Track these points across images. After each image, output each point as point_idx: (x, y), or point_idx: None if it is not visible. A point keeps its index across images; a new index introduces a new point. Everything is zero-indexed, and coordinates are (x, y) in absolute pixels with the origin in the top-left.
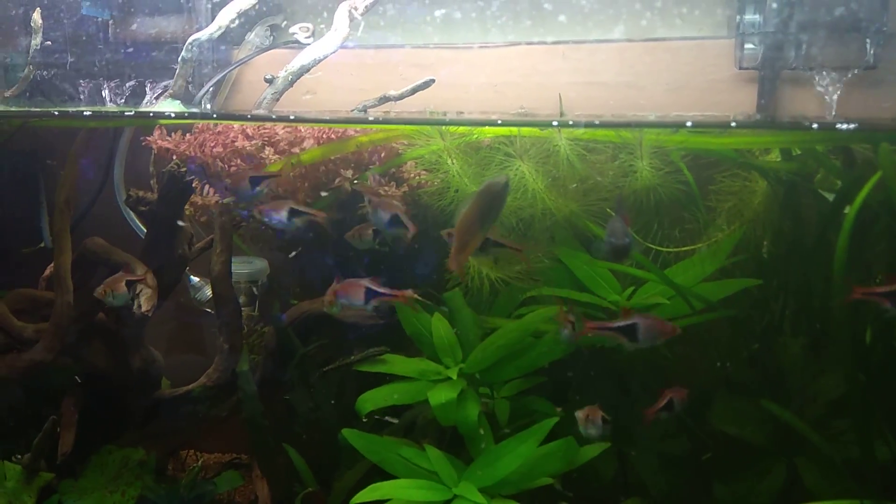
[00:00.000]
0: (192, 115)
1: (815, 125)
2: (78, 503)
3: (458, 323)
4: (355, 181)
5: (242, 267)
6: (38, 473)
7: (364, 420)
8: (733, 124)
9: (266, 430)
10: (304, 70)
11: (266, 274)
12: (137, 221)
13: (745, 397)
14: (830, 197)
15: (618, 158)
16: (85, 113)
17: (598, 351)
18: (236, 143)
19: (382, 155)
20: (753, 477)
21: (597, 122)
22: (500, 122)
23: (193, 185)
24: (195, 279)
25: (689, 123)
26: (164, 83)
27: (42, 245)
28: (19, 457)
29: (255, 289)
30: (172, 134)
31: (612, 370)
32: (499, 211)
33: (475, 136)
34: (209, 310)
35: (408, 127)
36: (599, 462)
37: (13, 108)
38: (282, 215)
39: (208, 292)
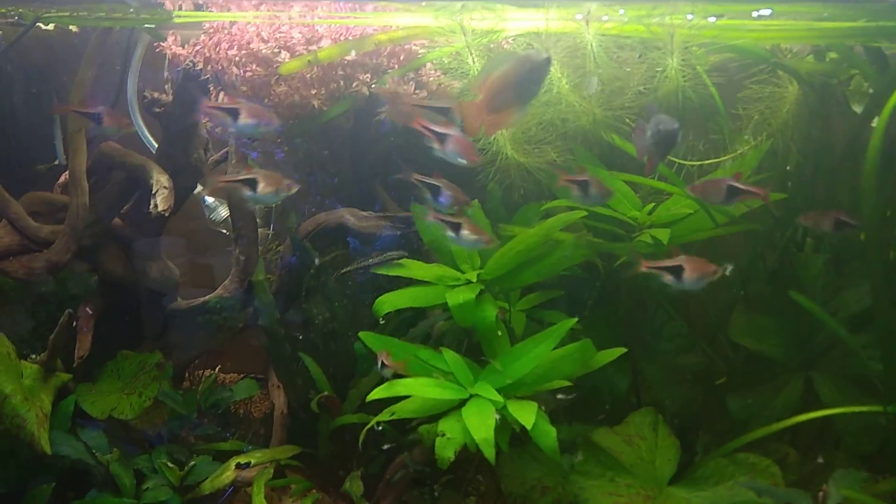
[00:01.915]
0: None
1: None
2: (94, 404)
3: None
4: (373, 85)
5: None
6: (55, 373)
7: (381, 322)
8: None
9: (282, 338)
10: None
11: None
12: (149, 136)
13: (764, 312)
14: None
15: (646, 59)
16: None
17: (613, 268)
18: (251, 45)
19: (402, 58)
20: (769, 391)
21: None
22: None
23: (208, 87)
24: (210, 199)
25: None
26: None
27: (56, 162)
28: (36, 356)
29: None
30: (185, 45)
31: (628, 286)
32: (537, 88)
33: (499, 32)
34: (225, 231)
35: (426, 22)
36: (614, 376)
37: None
38: None
39: (223, 212)
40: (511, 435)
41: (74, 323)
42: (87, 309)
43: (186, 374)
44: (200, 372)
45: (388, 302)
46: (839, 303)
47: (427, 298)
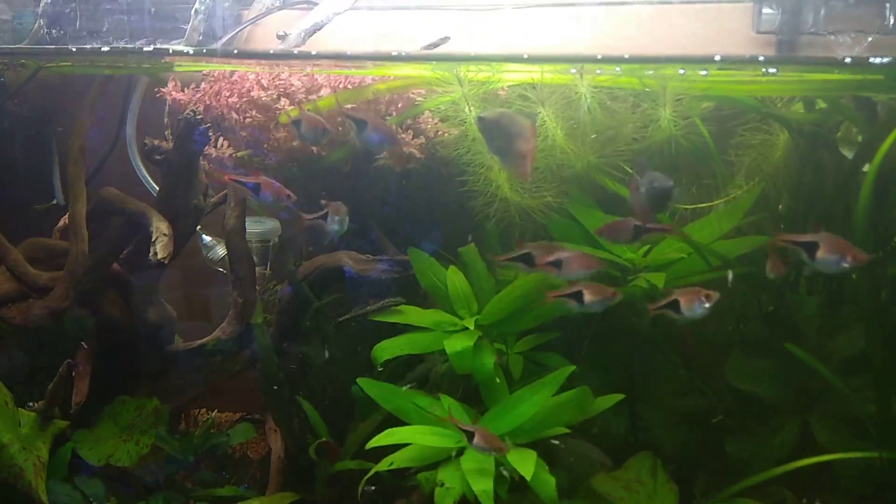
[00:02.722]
0: (209, 52)
1: (846, 59)
2: (91, 451)
3: (473, 277)
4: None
5: (254, 226)
6: (52, 420)
7: (380, 369)
8: (761, 58)
9: (280, 382)
10: (317, 28)
11: (278, 234)
12: (150, 179)
13: (760, 355)
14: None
15: (639, 107)
16: (103, 49)
17: (610, 309)
18: (252, 93)
19: (400, 105)
20: (766, 433)
21: (625, 56)
22: (525, 56)
23: (209, 134)
24: (207, 238)
25: (717, 58)
26: (176, 41)
27: (54, 202)
28: (33, 404)
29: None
30: (185, 89)
31: (625, 328)
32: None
33: (495, 83)
34: (222, 269)
35: (423, 73)
36: (612, 419)
37: (30, 47)
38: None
39: (220, 251)
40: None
41: (73, 373)
42: (86, 357)
43: (182, 416)
44: (197, 412)
45: (387, 349)
46: (834, 346)
47: (425, 345)
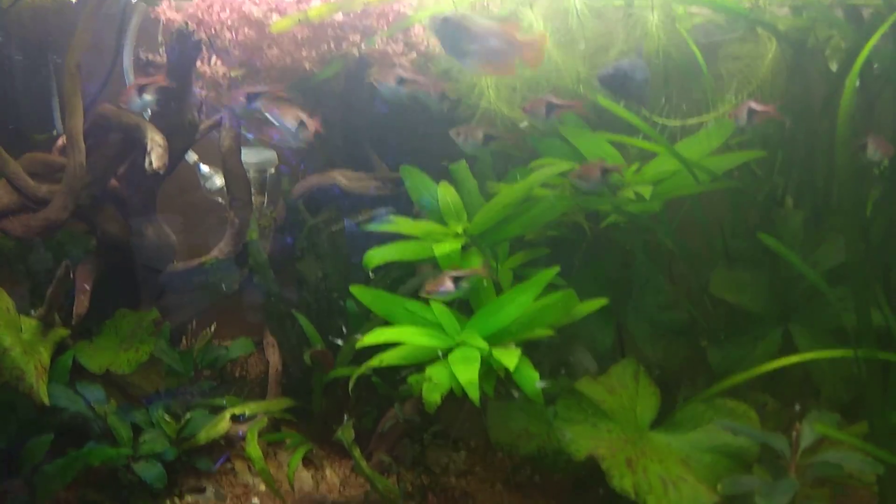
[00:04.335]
0: None
1: None
2: (91, 359)
3: (463, 192)
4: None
5: (251, 156)
6: (54, 328)
7: (372, 277)
8: None
9: (276, 297)
10: None
11: (274, 164)
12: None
13: (744, 267)
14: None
15: (631, 17)
16: None
17: (600, 229)
18: (243, 8)
19: (390, 18)
20: (749, 343)
21: None
22: None
23: (201, 46)
24: (205, 168)
25: None
26: None
27: (54, 132)
28: (34, 312)
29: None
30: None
31: (613, 245)
32: None
33: None
34: (220, 199)
35: None
36: (597, 332)
37: None
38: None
39: (218, 181)
40: (498, 390)
41: (71, 274)
42: (86, 271)
43: (183, 340)
44: (195, 339)
45: (378, 255)
46: (816, 258)
47: (415, 252)
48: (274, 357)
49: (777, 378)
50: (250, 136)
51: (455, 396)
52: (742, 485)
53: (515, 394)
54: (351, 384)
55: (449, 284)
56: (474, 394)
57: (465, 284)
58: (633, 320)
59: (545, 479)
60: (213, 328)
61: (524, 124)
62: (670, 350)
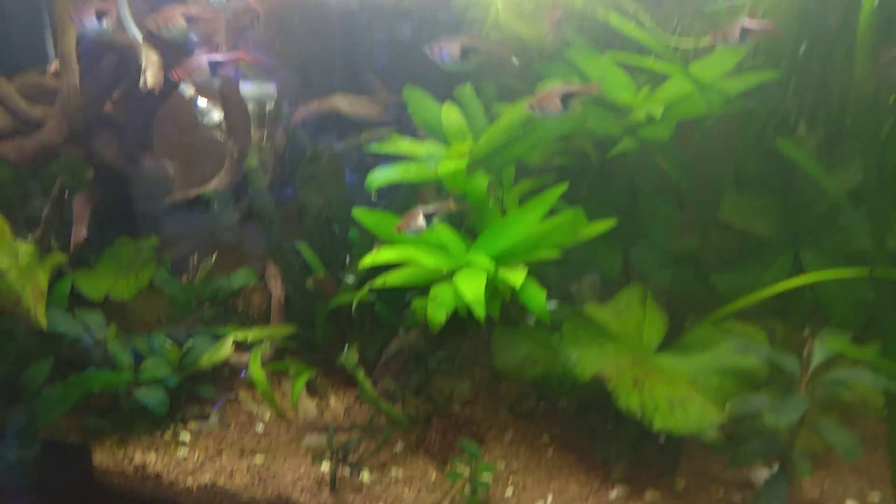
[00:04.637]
0: None
1: None
2: (90, 286)
3: (469, 115)
4: None
5: (250, 90)
6: (51, 252)
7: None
8: None
9: (278, 225)
10: None
11: (273, 98)
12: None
13: (755, 192)
14: None
15: None
16: None
17: (608, 159)
18: None
19: None
20: (758, 268)
21: None
22: None
23: None
24: (202, 102)
25: None
26: None
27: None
28: (30, 236)
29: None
30: None
31: (620, 173)
32: None
33: None
34: (218, 134)
35: None
36: (606, 259)
37: None
38: None
39: (216, 116)
40: (503, 316)
41: (66, 194)
42: (83, 200)
43: (184, 277)
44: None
45: (380, 176)
46: (830, 182)
47: (419, 173)
48: (276, 288)
49: (786, 304)
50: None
51: (460, 325)
52: (751, 404)
53: (522, 317)
54: (354, 305)
55: (421, 221)
56: (480, 311)
57: (437, 220)
58: (640, 248)
59: (549, 407)
60: (213, 258)
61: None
62: (678, 277)
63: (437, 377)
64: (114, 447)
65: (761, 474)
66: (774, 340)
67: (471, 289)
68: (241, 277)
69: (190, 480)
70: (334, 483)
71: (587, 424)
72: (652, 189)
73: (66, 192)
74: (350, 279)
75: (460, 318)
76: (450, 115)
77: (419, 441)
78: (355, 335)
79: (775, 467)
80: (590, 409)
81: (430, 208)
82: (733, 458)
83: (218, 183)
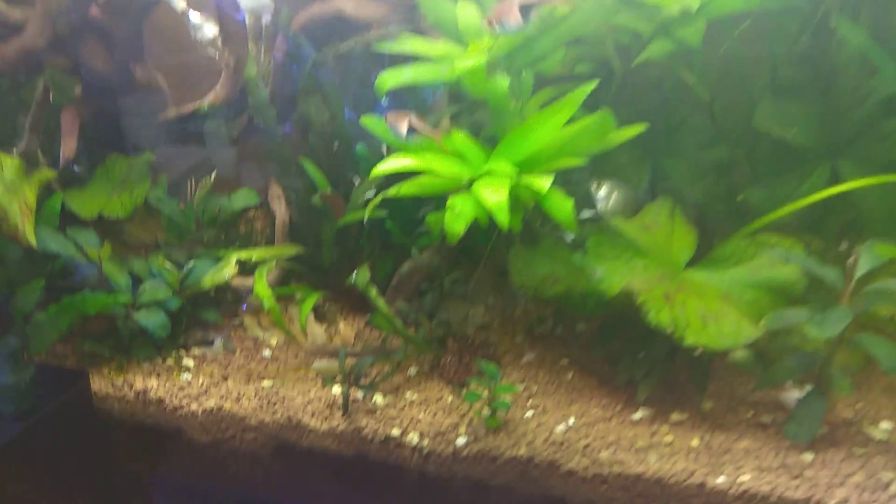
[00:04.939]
0: None
1: None
2: (82, 205)
3: (485, 12)
4: None
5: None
6: (38, 168)
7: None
8: None
9: (280, 140)
10: None
11: (270, 11)
12: None
13: (792, 98)
14: None
15: None
16: None
17: (633, 67)
18: None
19: None
20: (794, 180)
21: None
22: None
23: None
24: (195, 16)
25: None
26: None
27: None
28: (14, 150)
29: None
30: None
31: (647, 81)
32: None
33: None
34: (212, 50)
35: None
36: (632, 173)
37: None
38: None
39: (209, 32)
40: (522, 235)
41: (52, 97)
42: (72, 113)
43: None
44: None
45: (391, 78)
46: (872, 85)
47: (432, 74)
48: (280, 209)
49: (823, 217)
50: None
51: (474, 247)
52: (788, 318)
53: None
54: (366, 217)
55: (403, 127)
56: (504, 218)
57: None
58: (670, 160)
59: (567, 330)
60: (213, 177)
61: None
62: (710, 190)
63: (451, 300)
64: (113, 373)
65: (790, 395)
66: (810, 254)
67: (493, 196)
68: (242, 198)
69: (195, 405)
70: (347, 406)
71: (608, 347)
72: (680, 98)
73: (51, 97)
74: (359, 196)
75: (475, 240)
76: (466, 12)
77: (433, 364)
78: (364, 258)
79: (806, 388)
80: (611, 331)
81: (420, 124)
82: (767, 376)
83: (214, 97)
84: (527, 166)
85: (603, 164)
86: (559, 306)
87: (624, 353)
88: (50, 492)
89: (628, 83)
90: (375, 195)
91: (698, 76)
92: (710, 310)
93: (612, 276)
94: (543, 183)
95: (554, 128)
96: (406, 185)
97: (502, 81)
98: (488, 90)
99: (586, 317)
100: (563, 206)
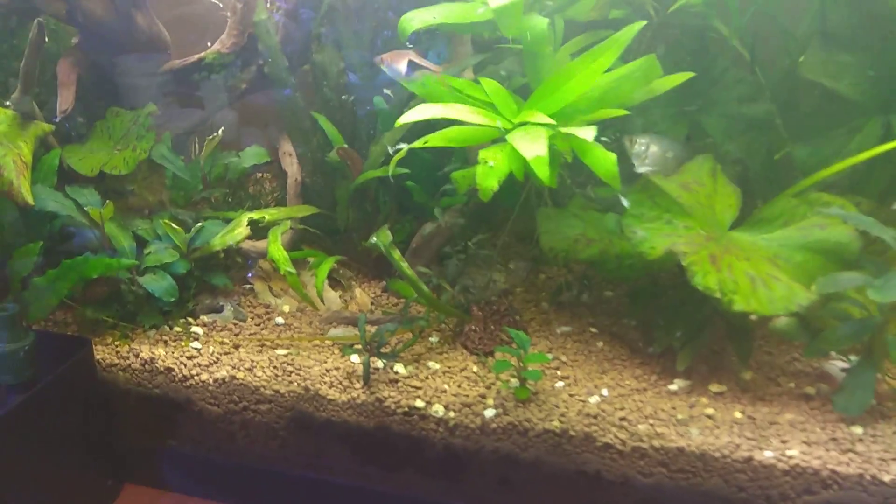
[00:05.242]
0: None
1: None
2: (82, 161)
3: None
4: None
5: None
6: (34, 121)
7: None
8: None
9: (293, 91)
10: None
11: None
12: None
13: (843, 48)
14: None
15: None
16: None
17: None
18: None
19: None
20: (843, 136)
21: None
22: None
23: None
24: None
25: None
26: None
27: None
28: (8, 102)
29: None
30: None
31: (685, 29)
32: None
33: None
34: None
35: None
36: (670, 127)
37: None
38: None
39: None
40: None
41: (46, 38)
42: (69, 64)
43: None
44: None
45: (416, 18)
46: None
47: (461, 15)
48: (292, 167)
49: (871, 179)
50: None
51: (495, 210)
52: (843, 282)
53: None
54: (390, 171)
55: (403, 64)
56: (543, 171)
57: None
58: (709, 115)
59: (595, 298)
60: (220, 132)
61: None
62: (752, 147)
63: (476, 265)
64: (117, 341)
65: (834, 365)
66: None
67: (532, 148)
68: (251, 156)
69: (205, 375)
70: (367, 376)
71: (641, 315)
72: (720, 48)
73: (46, 43)
74: (378, 152)
75: (495, 201)
76: None
77: (456, 332)
78: (381, 220)
79: (853, 359)
80: (644, 298)
81: (421, 60)
82: (816, 344)
83: (220, 46)
84: (563, 117)
85: (635, 120)
86: (584, 272)
87: (659, 321)
88: (51, 467)
89: (664, 31)
90: (390, 159)
91: (737, 23)
92: (760, 273)
93: (655, 237)
94: (587, 133)
95: (594, 74)
96: (433, 138)
97: (541, 19)
98: (525, 29)
99: (613, 284)
100: (606, 161)
